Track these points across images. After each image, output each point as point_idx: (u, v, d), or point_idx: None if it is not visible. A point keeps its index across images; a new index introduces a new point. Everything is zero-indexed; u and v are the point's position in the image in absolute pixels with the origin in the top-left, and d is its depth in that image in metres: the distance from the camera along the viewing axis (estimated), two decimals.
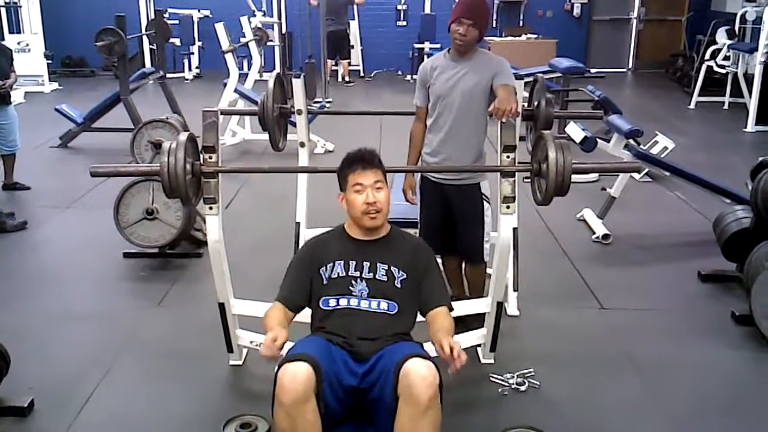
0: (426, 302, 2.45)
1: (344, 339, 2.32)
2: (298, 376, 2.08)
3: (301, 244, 3.50)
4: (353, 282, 2.40)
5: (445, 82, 3.11)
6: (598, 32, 12.63)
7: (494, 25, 12.37)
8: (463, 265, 3.39)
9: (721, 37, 9.35)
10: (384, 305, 2.38)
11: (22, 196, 5.57)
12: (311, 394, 2.10)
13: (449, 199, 3.24)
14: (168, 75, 8.43)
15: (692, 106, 9.31)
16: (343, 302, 2.39)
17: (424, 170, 3.26)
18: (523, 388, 2.91)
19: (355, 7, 11.51)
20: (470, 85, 3.07)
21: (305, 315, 2.78)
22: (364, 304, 2.37)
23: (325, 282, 2.43)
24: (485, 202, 3.21)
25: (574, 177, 2.53)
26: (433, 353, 2.31)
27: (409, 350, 2.22)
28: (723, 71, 9.13)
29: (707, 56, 9.31)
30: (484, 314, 3.01)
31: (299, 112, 3.48)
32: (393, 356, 2.21)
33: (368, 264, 2.42)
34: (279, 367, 2.15)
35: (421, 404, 2.08)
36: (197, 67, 11.99)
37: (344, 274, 2.42)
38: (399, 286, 2.41)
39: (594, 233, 4.66)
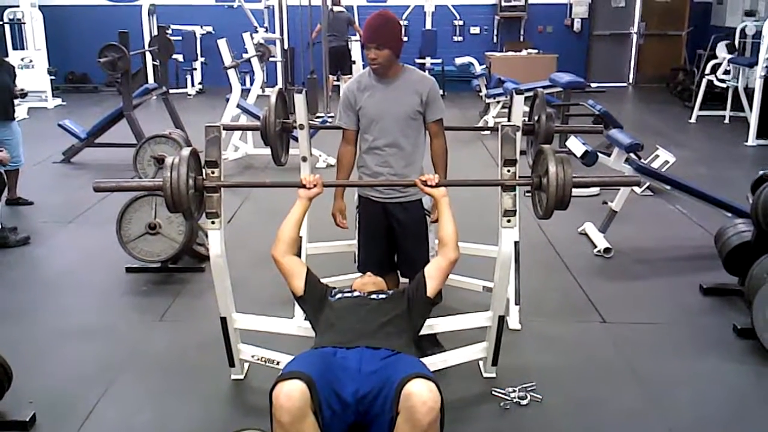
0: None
1: (347, 324, 2.53)
2: (293, 394, 2.09)
3: (303, 258, 3.51)
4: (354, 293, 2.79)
5: (374, 105, 3.08)
6: (599, 47, 12.69)
7: (494, 40, 12.46)
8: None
9: (721, 51, 9.39)
10: (382, 295, 2.73)
11: (25, 211, 5.59)
12: (308, 411, 2.12)
13: (392, 217, 3.18)
14: (171, 91, 8.47)
15: (693, 120, 9.34)
16: (346, 295, 2.74)
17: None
18: (525, 401, 2.90)
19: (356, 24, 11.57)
20: (401, 110, 3.06)
21: (307, 327, 2.79)
22: (364, 295, 2.74)
23: (332, 293, 2.80)
24: (427, 216, 3.19)
25: (575, 191, 2.55)
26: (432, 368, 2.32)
27: (414, 369, 2.23)
28: (723, 85, 9.16)
29: (707, 70, 9.34)
30: (435, 335, 3.10)
31: (301, 126, 3.50)
32: (396, 370, 2.22)
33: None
34: (274, 387, 2.15)
35: (420, 428, 2.10)
36: (200, 83, 12.05)
37: (349, 289, 2.82)
38: (391, 292, 2.80)
39: (595, 247, 4.66)
